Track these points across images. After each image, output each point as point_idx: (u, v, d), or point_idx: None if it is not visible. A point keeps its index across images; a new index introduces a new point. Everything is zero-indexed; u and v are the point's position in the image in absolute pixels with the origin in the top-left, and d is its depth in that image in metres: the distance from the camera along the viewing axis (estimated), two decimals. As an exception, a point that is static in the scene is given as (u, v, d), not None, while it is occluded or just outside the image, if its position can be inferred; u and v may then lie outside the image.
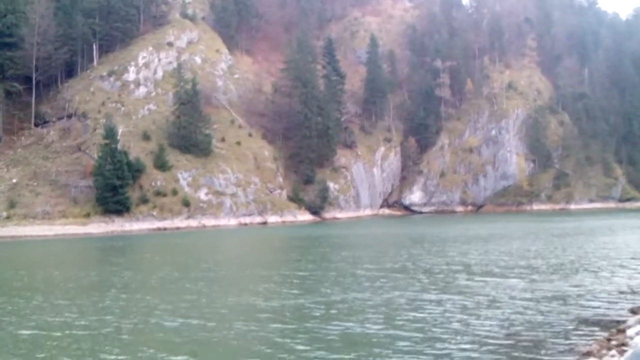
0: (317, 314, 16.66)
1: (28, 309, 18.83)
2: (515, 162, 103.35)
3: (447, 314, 16.18)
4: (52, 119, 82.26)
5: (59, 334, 15.36)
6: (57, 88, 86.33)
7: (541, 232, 45.85)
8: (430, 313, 16.39)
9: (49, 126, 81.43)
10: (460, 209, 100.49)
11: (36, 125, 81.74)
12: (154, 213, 70.88)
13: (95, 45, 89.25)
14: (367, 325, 15.09)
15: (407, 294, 19.03)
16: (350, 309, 17.08)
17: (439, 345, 13.06)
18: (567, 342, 13.22)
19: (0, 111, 78.48)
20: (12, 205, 64.87)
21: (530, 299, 18.00)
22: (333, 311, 16.98)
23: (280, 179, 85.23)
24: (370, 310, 16.80)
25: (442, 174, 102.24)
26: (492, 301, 17.67)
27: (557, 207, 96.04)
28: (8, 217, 63.29)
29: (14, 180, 69.70)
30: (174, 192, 73.25)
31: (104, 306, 18.95)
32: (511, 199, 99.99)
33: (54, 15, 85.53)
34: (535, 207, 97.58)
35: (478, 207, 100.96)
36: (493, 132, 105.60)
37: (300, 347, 13.24)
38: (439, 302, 17.79)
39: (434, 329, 14.46)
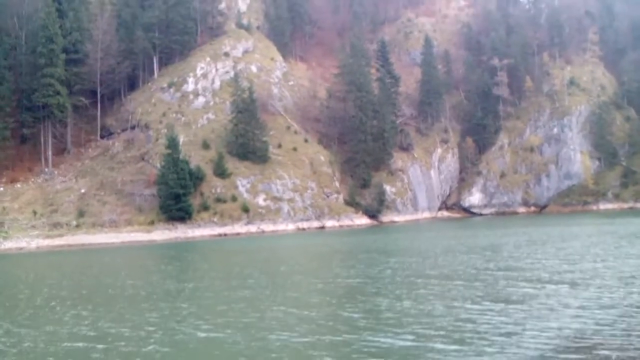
0: (382, 324, 16.53)
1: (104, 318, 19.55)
2: (579, 160, 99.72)
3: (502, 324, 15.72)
4: (117, 131, 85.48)
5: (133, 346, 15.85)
6: (121, 101, 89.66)
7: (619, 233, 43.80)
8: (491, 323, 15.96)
9: (114, 138, 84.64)
10: (522, 210, 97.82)
11: (102, 137, 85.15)
12: (215, 219, 72.40)
13: (156, 58, 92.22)
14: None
15: (467, 306, 18.60)
16: (416, 320, 16.82)
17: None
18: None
19: (68, 125, 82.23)
20: (81, 214, 67.68)
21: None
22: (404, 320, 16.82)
23: (337, 184, 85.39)
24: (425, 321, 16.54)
25: (503, 175, 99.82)
26: (551, 310, 16.93)
27: (626, 206, 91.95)
28: (78, 226, 66.06)
29: (83, 191, 72.72)
30: (234, 199, 74.61)
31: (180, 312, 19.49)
32: (576, 199, 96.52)
33: (116, 31, 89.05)
34: (602, 206, 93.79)
35: (541, 208, 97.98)
36: (555, 130, 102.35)
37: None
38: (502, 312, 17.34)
39: (487, 340, 14.01)
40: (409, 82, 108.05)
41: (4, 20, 77.47)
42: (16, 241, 59.96)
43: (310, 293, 21.93)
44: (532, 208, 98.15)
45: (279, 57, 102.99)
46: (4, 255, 54.06)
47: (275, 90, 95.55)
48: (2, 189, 71.44)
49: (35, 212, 66.73)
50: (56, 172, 77.10)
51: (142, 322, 17.99)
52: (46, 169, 76.85)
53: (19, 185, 73.04)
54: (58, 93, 76.24)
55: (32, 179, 75.06)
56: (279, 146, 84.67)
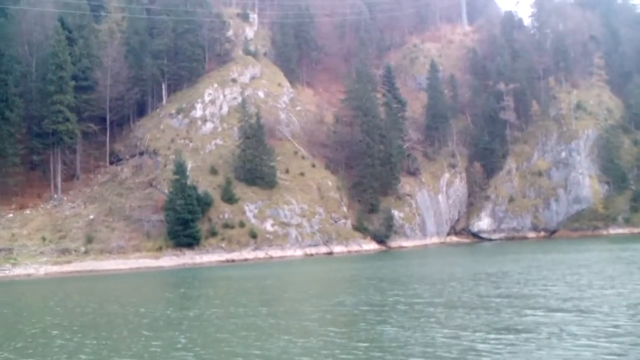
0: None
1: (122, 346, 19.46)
2: (588, 184, 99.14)
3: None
4: (126, 157, 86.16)
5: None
6: (130, 127, 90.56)
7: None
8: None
9: (123, 164, 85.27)
10: (532, 235, 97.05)
11: (111, 163, 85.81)
12: (223, 245, 72.34)
13: (164, 84, 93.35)
14: None
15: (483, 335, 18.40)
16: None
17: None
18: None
19: (77, 151, 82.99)
20: (89, 240, 67.85)
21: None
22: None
23: (345, 209, 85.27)
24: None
25: (511, 199, 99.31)
26: (559, 339, 16.70)
27: (636, 230, 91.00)
28: (86, 252, 66.18)
29: (91, 217, 73.01)
30: (241, 224, 74.60)
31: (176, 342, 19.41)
32: (586, 224, 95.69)
33: (125, 58, 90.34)
34: (612, 231, 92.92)
35: (551, 233, 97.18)
36: (563, 154, 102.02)
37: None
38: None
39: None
40: (416, 106, 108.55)
41: (14, 48, 78.79)
42: (25, 268, 60.08)
43: (315, 321, 21.73)
44: (542, 233, 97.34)
45: (286, 83, 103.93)
46: (13, 281, 54.16)
47: (282, 116, 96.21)
48: (11, 215, 71.87)
49: (44, 239, 66.98)
50: (65, 198, 77.58)
51: (143, 351, 17.93)
52: (55, 195, 77.34)
53: (28, 212, 73.46)
54: (67, 120, 77.13)
55: (42, 205, 75.50)
56: (287, 171, 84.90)
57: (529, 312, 21.07)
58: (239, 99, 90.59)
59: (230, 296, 31.90)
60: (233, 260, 69.63)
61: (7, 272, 58.64)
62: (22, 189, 76.29)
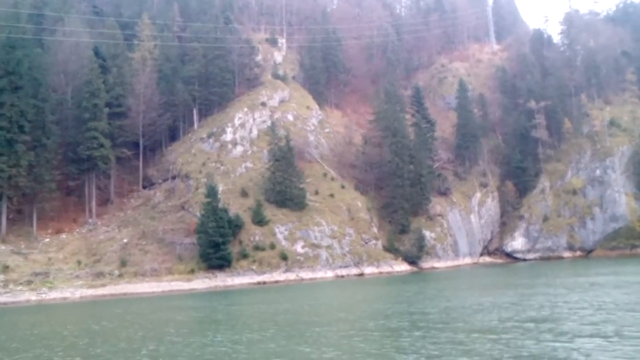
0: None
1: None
2: (624, 202, 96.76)
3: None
4: (158, 181, 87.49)
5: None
6: (162, 152, 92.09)
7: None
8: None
9: (155, 188, 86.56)
10: (567, 254, 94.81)
11: (144, 187, 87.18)
12: (254, 267, 72.43)
13: (195, 109, 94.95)
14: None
15: None
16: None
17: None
18: None
19: (112, 176, 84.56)
20: (123, 263, 68.66)
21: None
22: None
23: (375, 230, 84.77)
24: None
25: (545, 218, 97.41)
26: None
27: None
28: (120, 275, 66.92)
29: (125, 240, 74.00)
30: (272, 246, 74.70)
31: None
32: (623, 242, 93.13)
33: (157, 84, 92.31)
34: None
35: (588, 252, 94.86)
36: (597, 171, 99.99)
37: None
38: None
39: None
40: (445, 126, 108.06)
41: (51, 77, 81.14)
42: (61, 291, 60.95)
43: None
44: (578, 252, 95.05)
45: (314, 106, 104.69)
46: (49, 305, 54.93)
47: (311, 138, 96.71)
48: (48, 239, 73.29)
49: (79, 262, 68.03)
50: (99, 223, 78.89)
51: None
52: (90, 220, 78.72)
53: (64, 236, 74.84)
54: (102, 146, 78.82)
55: (77, 230, 76.88)
56: (316, 193, 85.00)
57: (556, 338, 20.43)
58: (269, 122, 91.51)
59: (259, 322, 31.69)
60: (264, 283, 69.57)
61: (43, 295, 59.56)
62: (58, 213, 77.87)
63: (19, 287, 60.10)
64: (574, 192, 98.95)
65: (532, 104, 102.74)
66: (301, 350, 20.60)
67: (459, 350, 18.96)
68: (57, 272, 64.93)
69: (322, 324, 27.48)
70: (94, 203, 79.91)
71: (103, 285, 63.93)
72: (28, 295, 58.82)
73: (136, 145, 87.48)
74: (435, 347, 19.51)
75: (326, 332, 24.44)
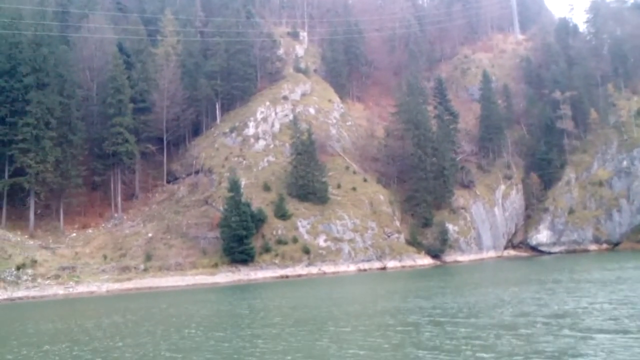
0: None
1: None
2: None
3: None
4: (182, 176, 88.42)
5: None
6: (185, 146, 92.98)
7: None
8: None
9: (179, 182, 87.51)
10: (593, 247, 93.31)
11: (168, 182, 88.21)
12: (276, 261, 72.91)
13: (218, 104, 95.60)
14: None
15: None
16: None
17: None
18: None
19: (136, 171, 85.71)
20: (148, 258, 69.71)
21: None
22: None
23: (397, 223, 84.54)
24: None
25: (571, 211, 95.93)
26: None
27: None
28: (145, 269, 67.99)
29: (150, 235, 75.06)
30: (294, 240, 75.04)
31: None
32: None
33: (180, 79, 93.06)
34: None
35: (614, 245, 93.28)
36: (624, 162, 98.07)
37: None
38: None
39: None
40: (468, 118, 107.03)
41: (77, 74, 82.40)
42: (87, 285, 62.19)
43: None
44: (604, 245, 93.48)
45: (336, 99, 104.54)
46: (77, 299, 56.14)
47: (333, 131, 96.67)
48: (74, 234, 74.74)
49: (105, 257, 69.27)
50: (125, 217, 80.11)
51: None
52: (116, 214, 80.00)
53: (90, 231, 76.23)
54: (127, 141, 79.90)
55: (103, 224, 78.23)
56: (338, 186, 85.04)
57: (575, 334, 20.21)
58: (290, 116, 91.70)
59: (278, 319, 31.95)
60: (287, 276, 70.02)
61: (71, 289, 60.88)
62: (84, 208, 79.33)
63: (47, 281, 61.51)
64: (600, 184, 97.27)
65: (558, 95, 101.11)
66: (320, 345, 20.78)
67: (476, 346, 18.93)
68: (84, 267, 66.23)
69: (341, 318, 27.63)
70: (119, 198, 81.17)
71: (129, 279, 65.07)
72: (56, 289, 60.21)
73: (160, 140, 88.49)
74: (452, 343, 19.51)
75: (345, 327, 24.58)
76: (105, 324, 31.75)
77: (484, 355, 17.49)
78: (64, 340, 26.23)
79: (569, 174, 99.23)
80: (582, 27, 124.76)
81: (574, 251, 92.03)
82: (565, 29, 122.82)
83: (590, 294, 30.93)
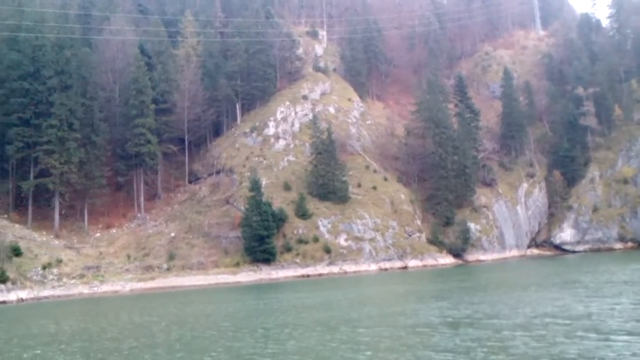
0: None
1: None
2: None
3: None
4: (203, 176, 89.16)
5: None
6: (206, 147, 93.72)
7: None
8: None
9: (201, 182, 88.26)
10: (618, 246, 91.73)
11: (189, 182, 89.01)
12: (297, 260, 73.12)
13: (238, 104, 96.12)
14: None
15: None
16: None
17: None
18: None
19: (159, 171, 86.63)
20: (171, 257, 70.45)
21: None
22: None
23: (419, 222, 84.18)
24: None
25: (595, 209, 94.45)
26: None
27: None
28: (168, 269, 68.73)
29: (172, 234, 75.84)
30: (315, 239, 75.17)
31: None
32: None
33: (201, 80, 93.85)
34: None
35: (639, 244, 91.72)
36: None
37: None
38: None
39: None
40: (489, 115, 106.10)
41: (99, 76, 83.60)
42: (112, 285, 63.08)
43: None
44: (630, 244, 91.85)
45: (356, 97, 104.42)
46: (101, 298, 57.00)
47: (353, 130, 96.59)
48: (99, 234, 75.85)
49: (129, 257, 70.17)
50: (148, 217, 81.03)
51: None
52: (139, 215, 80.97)
53: (114, 231, 77.29)
54: (149, 142, 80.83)
55: (126, 225, 79.23)
56: (359, 185, 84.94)
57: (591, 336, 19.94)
58: (310, 116, 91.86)
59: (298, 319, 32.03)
60: (308, 276, 70.18)
61: (95, 289, 61.80)
62: (108, 209, 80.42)
63: (72, 281, 62.53)
64: (625, 181, 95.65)
65: (581, 91, 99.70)
66: (333, 347, 20.71)
67: (494, 348, 18.80)
68: (108, 266, 67.18)
69: (356, 319, 27.57)
70: (142, 198, 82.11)
71: (152, 278, 65.83)
72: (80, 289, 61.17)
73: (181, 140, 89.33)
74: (466, 345, 19.37)
75: (359, 328, 24.51)
76: (127, 323, 32.23)
77: (497, 357, 17.35)
78: (82, 339, 26.77)
79: (593, 171, 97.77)
80: (605, 23, 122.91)
81: (599, 250, 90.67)
82: (588, 24, 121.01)
83: (612, 294, 30.48)
